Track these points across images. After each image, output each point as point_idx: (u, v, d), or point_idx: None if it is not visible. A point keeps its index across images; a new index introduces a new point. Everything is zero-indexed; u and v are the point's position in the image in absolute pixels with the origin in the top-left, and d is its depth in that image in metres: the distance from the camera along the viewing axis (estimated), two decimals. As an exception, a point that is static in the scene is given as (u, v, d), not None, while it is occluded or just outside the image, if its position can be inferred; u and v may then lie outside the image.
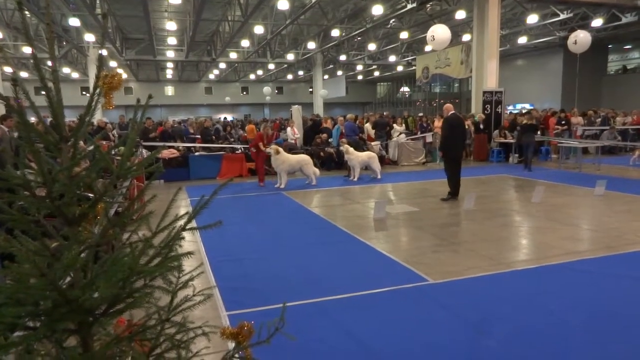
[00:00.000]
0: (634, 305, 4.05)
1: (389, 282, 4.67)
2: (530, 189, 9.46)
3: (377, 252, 5.80)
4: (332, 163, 13.85)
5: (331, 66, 36.66)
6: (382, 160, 14.21)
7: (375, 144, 14.63)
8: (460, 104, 36.21)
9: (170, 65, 35.30)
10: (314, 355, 3.35)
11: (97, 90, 1.25)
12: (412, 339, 3.54)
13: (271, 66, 34.87)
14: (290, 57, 29.64)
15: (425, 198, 9.43)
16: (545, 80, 30.47)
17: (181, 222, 1.47)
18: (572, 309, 3.99)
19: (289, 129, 15.09)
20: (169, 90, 44.66)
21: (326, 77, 36.65)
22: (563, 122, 15.70)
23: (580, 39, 15.25)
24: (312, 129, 15.61)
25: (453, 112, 9.09)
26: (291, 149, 14.24)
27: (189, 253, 1.45)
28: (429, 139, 15.39)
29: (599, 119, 17.48)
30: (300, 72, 40.01)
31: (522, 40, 25.53)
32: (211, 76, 41.78)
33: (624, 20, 20.82)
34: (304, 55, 30.21)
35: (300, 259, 5.62)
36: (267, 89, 36.46)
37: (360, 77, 44.64)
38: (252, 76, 42.11)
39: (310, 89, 38.77)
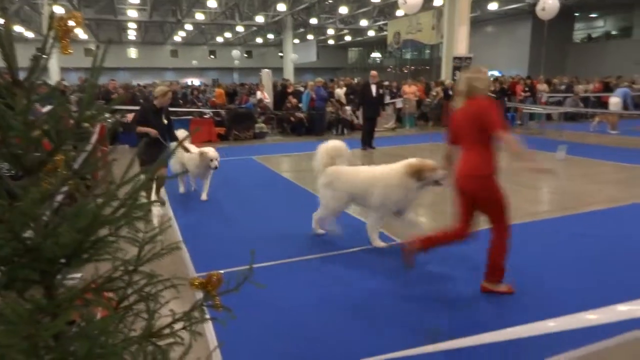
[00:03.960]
0: (584, 260, 4.30)
1: (360, 242, 4.77)
2: (495, 154, 9.73)
3: (349, 215, 5.88)
4: (303, 128, 13.77)
5: (302, 30, 35.88)
6: (352, 125, 14.24)
7: (348, 109, 14.61)
8: (431, 71, 36.31)
9: (132, 25, 33.68)
10: (286, 309, 3.43)
11: (51, 32, 1.17)
12: (385, 288, 3.67)
13: (240, 29, 33.78)
14: (260, 19, 28.77)
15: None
16: (514, 48, 30.80)
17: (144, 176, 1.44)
18: (529, 261, 4.21)
19: (258, 92, 14.83)
20: (132, 52, 42.77)
21: (297, 41, 35.89)
22: (526, 89, 15.99)
23: (549, 5, 15.39)
24: (282, 93, 15.41)
25: (371, 79, 10.92)
26: (262, 113, 14.06)
27: (156, 201, 1.43)
28: (399, 104, 15.45)
29: (563, 87, 17.95)
30: (270, 36, 39.01)
31: (493, 6, 25.59)
32: (177, 39, 40.21)
33: (591, -12, 21.12)
34: (274, 18, 29.40)
35: (271, 222, 5.66)
36: (235, 53, 35.45)
37: (331, 42, 43.95)
38: (220, 39, 40.77)
39: (281, 54, 37.95)
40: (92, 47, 38.67)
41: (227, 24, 31.00)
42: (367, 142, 11.09)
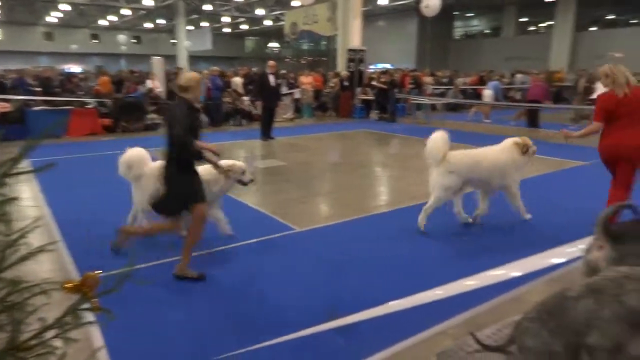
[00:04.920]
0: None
1: (257, 233, 4.75)
2: (387, 142, 10.31)
3: (246, 206, 5.82)
4: (199, 119, 13.25)
5: (195, 16, 34.37)
6: (251, 116, 14.07)
7: (245, 99, 14.38)
8: (328, 62, 37.17)
9: (-7, 2, 29.49)
10: (182, 311, 3.30)
11: None
12: (278, 284, 3.69)
13: (126, 12, 31.31)
14: (148, 2, 26.95)
15: (293, 153, 9.66)
16: (403, 42, 32.76)
17: (4, 168, 1.27)
18: (417, 241, 4.55)
19: (149, 81, 13.92)
20: (-4, 33, 37.47)
21: (190, 27, 34.34)
22: (411, 82, 16.99)
23: (432, 3, 16.55)
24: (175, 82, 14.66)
25: (269, 69, 10.86)
26: (154, 102, 13.25)
27: (13, 199, 1.27)
28: (297, 95, 15.60)
29: (446, 79, 19.55)
30: (161, 21, 36.76)
31: (383, 1, 26.86)
32: (52, 19, 36.02)
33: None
34: (164, 2, 27.74)
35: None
36: (122, 38, 32.82)
37: (227, 30, 42.80)
38: (104, 22, 37.41)
39: (173, 40, 36.00)
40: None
41: (111, 5, 28.55)
42: (266, 132, 11.05)
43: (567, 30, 25.57)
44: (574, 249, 2.45)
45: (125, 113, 12.19)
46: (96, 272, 1.27)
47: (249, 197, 6.19)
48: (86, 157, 8.88)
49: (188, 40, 30.38)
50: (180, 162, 3.68)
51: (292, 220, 5.18)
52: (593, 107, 5.04)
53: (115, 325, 1.41)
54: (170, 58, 28.92)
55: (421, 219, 4.74)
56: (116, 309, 1.36)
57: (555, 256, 2.77)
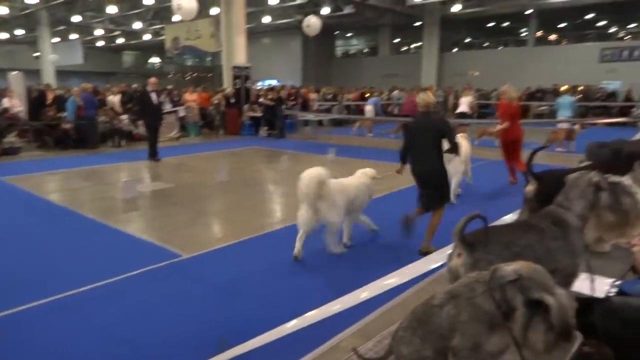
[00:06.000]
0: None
1: (141, 263, 4.41)
2: (277, 158, 10.40)
3: (127, 234, 5.39)
4: (70, 140, 12.01)
5: (62, 28, 31.36)
6: (132, 136, 13.19)
7: (124, 118, 13.43)
8: (214, 78, 36.49)
9: None
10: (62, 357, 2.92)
11: None
12: (163, 318, 3.46)
13: (-26, 20, 27.42)
14: (2, 10, 23.91)
15: (180, 173, 9.25)
16: (288, 59, 33.49)
17: None
18: (310, 258, 4.61)
19: (5, 99, 12.26)
20: None
21: (57, 40, 31.25)
22: (293, 98, 17.33)
23: (312, 23, 17.25)
24: (39, 100, 13.18)
25: (150, 87, 10.36)
26: (12, 124, 11.73)
27: None
28: (182, 112, 15.02)
29: (330, 96, 20.40)
30: (20, 32, 32.83)
31: (266, 19, 27.26)
32: None
33: (345, 11, 24.59)
34: (23, 11, 24.89)
35: (35, 254, 4.75)
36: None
37: (102, 44, 39.77)
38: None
39: (36, 53, 32.37)
40: None
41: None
42: (153, 152, 10.45)
43: (433, 51, 28.42)
44: (445, 254, 2.71)
45: (-25, 136, 10.62)
46: None
47: (131, 225, 5.76)
48: None
49: (55, 53, 27.56)
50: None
51: (180, 246, 4.92)
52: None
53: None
54: (33, 73, 25.95)
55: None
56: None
57: (432, 262, 3.05)
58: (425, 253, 4.21)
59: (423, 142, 4.56)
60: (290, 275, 4.22)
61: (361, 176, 5.02)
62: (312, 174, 4.34)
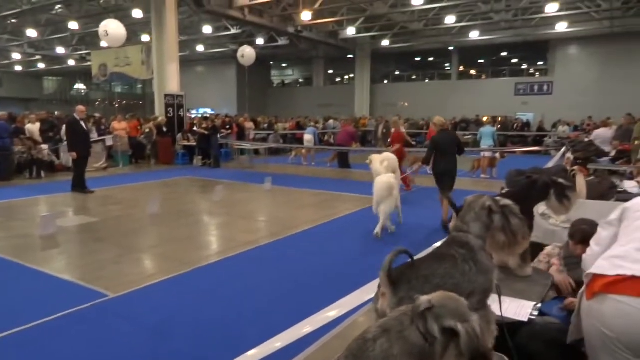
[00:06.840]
0: (299, 275, 4.89)
1: (61, 306, 4.03)
2: (212, 188, 10.12)
3: (46, 274, 4.94)
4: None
5: (-26, 50, 29.12)
6: (53, 167, 12.31)
7: (44, 148, 12.53)
8: (145, 106, 35.30)
9: None
10: None
11: None
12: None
13: None
14: None
15: (106, 207, 8.71)
16: (223, 88, 33.30)
17: None
18: (247, 293, 4.48)
19: None
20: None
21: (-32, 63, 28.88)
22: (228, 127, 17.08)
23: (247, 53, 17.35)
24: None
25: (78, 114, 9.78)
26: None
27: None
28: (109, 142, 14.31)
29: (266, 125, 20.43)
30: None
31: (200, 48, 27.08)
32: None
33: (280, 42, 25.04)
34: None
35: None
36: None
37: (19, 68, 37.28)
38: None
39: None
40: None
41: None
42: (82, 183, 9.84)
43: (365, 82, 29.61)
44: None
45: None
46: None
47: (50, 264, 5.30)
48: None
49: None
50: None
51: (105, 285, 4.58)
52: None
53: None
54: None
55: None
56: None
57: (368, 293, 3.06)
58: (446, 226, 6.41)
59: (448, 150, 6.66)
60: (228, 311, 4.06)
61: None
62: (385, 180, 6.24)
